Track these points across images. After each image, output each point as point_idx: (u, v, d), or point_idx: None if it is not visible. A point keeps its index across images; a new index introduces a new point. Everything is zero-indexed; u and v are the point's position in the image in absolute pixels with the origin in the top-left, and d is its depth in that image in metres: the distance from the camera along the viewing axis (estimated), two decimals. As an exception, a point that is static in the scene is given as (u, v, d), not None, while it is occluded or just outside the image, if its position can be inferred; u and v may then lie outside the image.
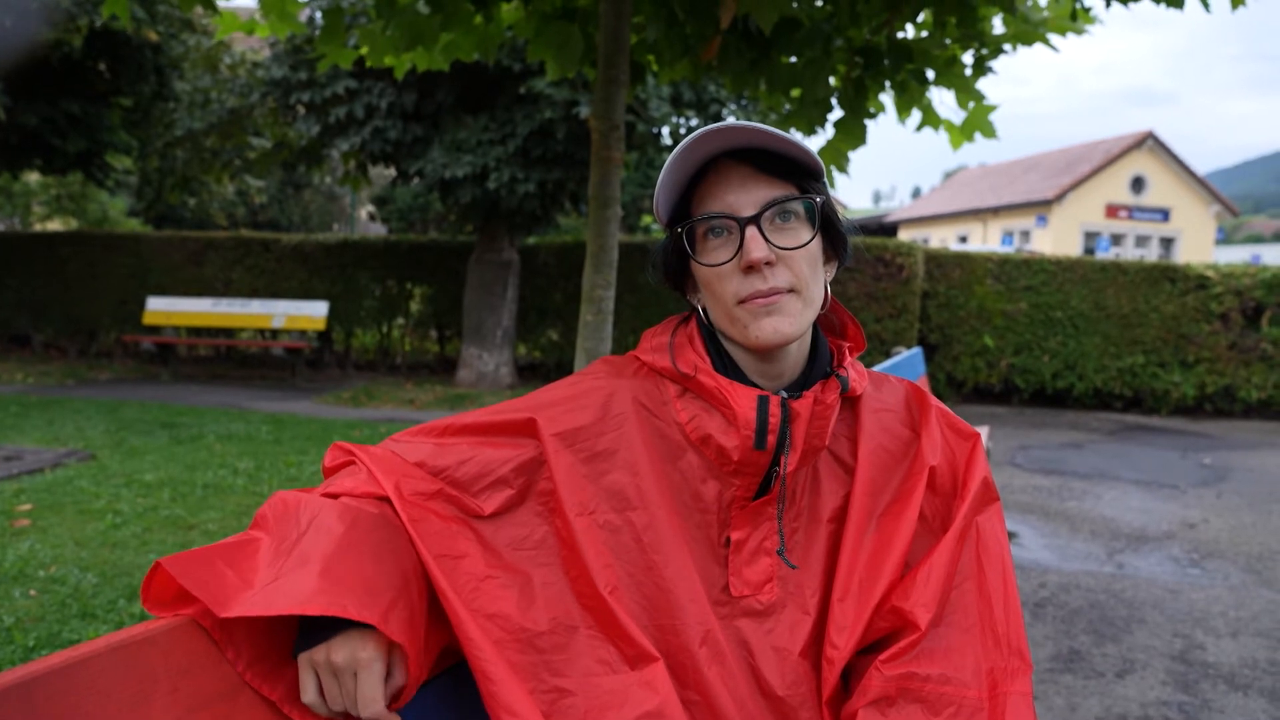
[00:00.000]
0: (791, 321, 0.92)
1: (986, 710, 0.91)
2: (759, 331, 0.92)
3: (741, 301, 0.92)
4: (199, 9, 2.73)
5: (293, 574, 0.77)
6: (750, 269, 0.91)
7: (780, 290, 0.92)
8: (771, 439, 0.94)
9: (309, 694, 0.79)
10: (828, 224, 0.98)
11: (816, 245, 0.95)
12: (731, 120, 0.90)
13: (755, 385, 0.97)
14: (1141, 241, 27.43)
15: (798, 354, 0.99)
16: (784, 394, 0.96)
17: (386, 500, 0.87)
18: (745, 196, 0.92)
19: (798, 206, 0.94)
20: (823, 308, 0.99)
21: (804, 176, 0.95)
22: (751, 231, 0.91)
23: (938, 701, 0.91)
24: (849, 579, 0.96)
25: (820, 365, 1.00)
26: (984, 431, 4.71)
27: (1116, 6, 2.88)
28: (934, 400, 1.08)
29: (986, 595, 0.97)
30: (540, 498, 0.94)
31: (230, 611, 0.74)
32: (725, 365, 0.98)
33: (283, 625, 0.81)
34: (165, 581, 0.78)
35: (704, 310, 1.01)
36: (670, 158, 0.91)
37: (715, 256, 0.94)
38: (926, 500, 1.00)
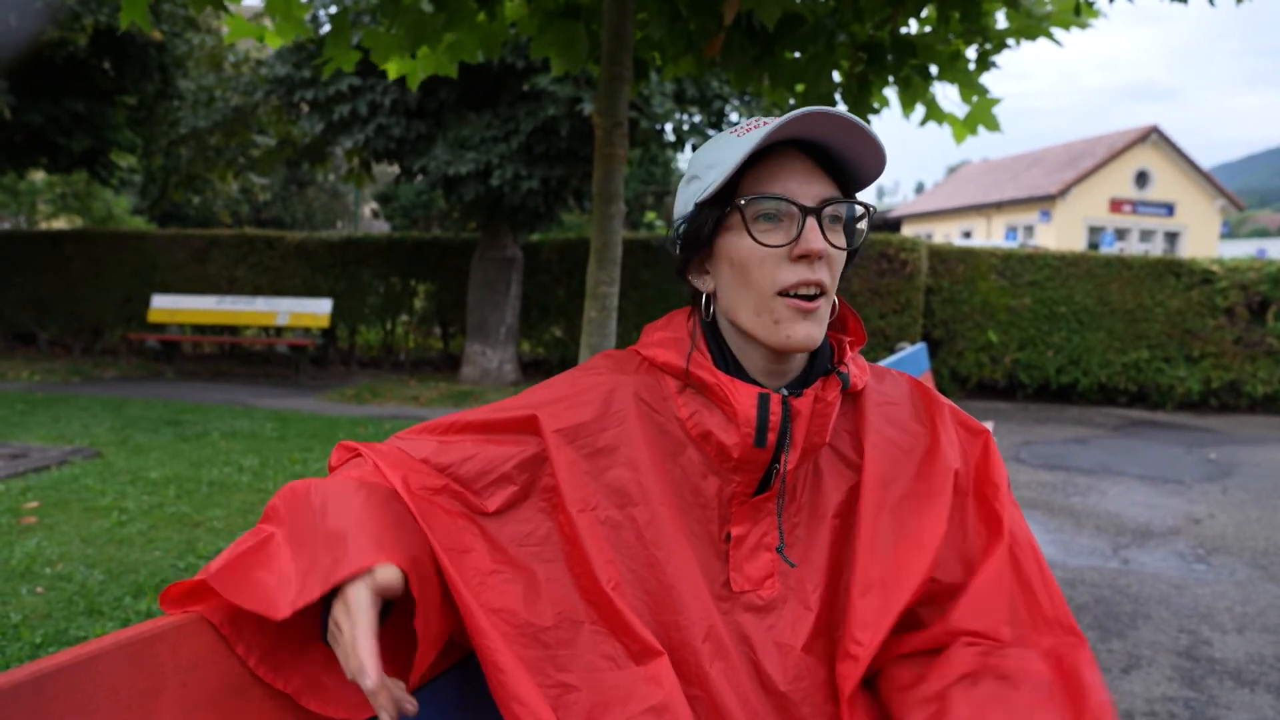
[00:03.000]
0: (820, 328, 0.94)
1: (1060, 685, 0.87)
2: (793, 332, 0.92)
3: (782, 292, 0.92)
4: (208, 9, 2.72)
5: (352, 555, 0.77)
6: (802, 258, 0.91)
7: (822, 285, 0.92)
8: (772, 437, 0.93)
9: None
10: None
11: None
12: (826, 108, 0.89)
13: (756, 381, 0.97)
14: (1146, 236, 27.33)
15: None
16: (784, 391, 0.95)
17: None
18: (806, 188, 0.92)
19: (843, 210, 0.95)
20: (832, 313, 1.00)
21: (850, 182, 0.96)
22: (812, 222, 0.91)
23: (1017, 676, 0.88)
24: (868, 574, 0.95)
25: (821, 361, 1.00)
26: (989, 427, 4.70)
27: (1120, 0, 2.88)
28: (941, 397, 1.07)
29: (1030, 587, 0.95)
30: (543, 494, 0.94)
31: (283, 611, 0.73)
32: (726, 361, 0.98)
33: (292, 618, 0.81)
34: (181, 582, 0.79)
35: (708, 297, 1.00)
36: (764, 129, 0.90)
37: (767, 239, 0.92)
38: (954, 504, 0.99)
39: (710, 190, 0.94)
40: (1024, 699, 0.86)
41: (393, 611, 0.82)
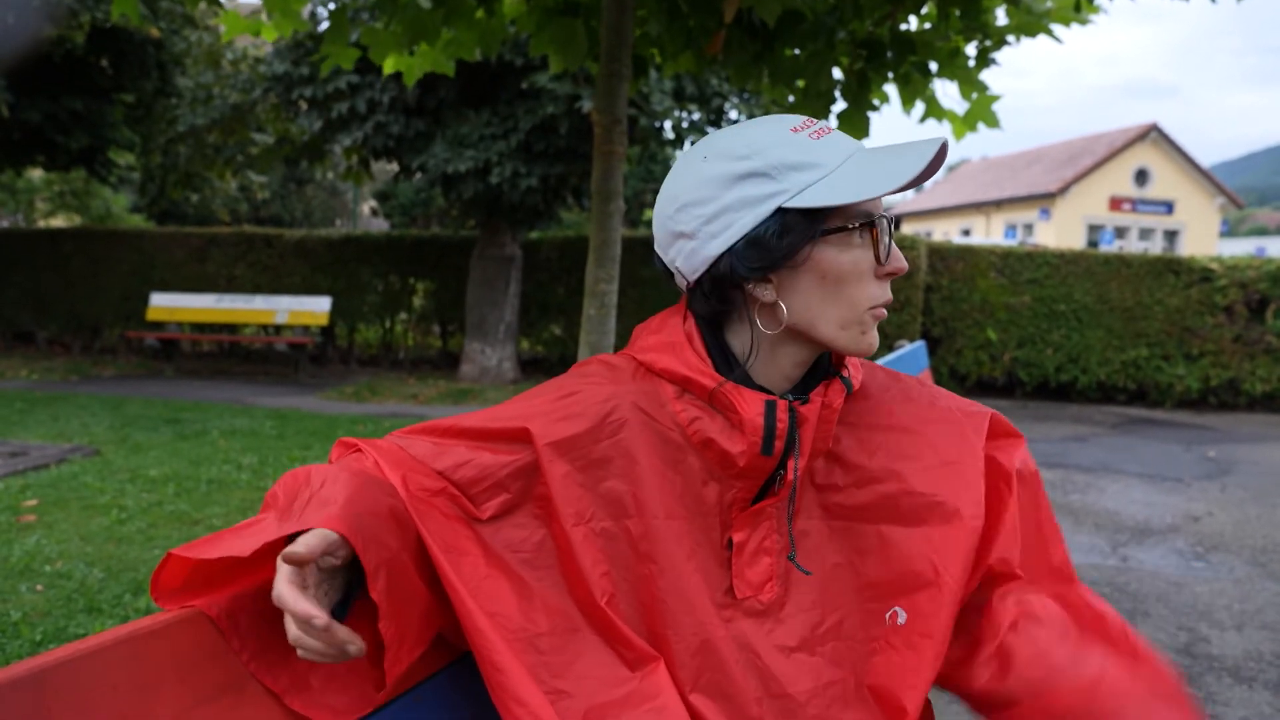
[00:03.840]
0: None
1: (1079, 615, 0.97)
2: (873, 340, 0.94)
3: (872, 308, 0.92)
4: (203, 5, 2.72)
5: (310, 515, 0.77)
6: (888, 275, 0.93)
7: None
8: (779, 444, 0.92)
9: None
10: None
11: None
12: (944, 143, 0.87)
13: (760, 388, 0.95)
14: (1145, 234, 27.36)
15: None
16: (790, 397, 0.94)
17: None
18: (878, 205, 0.93)
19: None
20: None
21: None
22: (893, 240, 0.93)
23: (1049, 617, 0.95)
24: (917, 573, 0.97)
25: (822, 364, 0.99)
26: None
27: (1120, -3, 2.88)
28: (924, 383, 1.08)
29: (1039, 534, 1.03)
30: (537, 502, 0.93)
31: (249, 547, 0.74)
32: (730, 365, 0.96)
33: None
34: (175, 573, 0.78)
35: (774, 308, 0.94)
36: (910, 153, 0.87)
37: (867, 255, 0.93)
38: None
39: (816, 200, 0.88)
40: (1060, 632, 0.95)
41: (376, 613, 0.81)
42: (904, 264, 0.92)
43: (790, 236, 0.89)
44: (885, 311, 0.94)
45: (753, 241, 0.90)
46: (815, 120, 0.94)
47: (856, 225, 0.90)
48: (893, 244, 0.92)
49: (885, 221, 0.92)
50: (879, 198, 0.89)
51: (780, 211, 0.89)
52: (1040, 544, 1.02)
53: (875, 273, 0.92)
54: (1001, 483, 1.00)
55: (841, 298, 0.91)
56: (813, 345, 0.95)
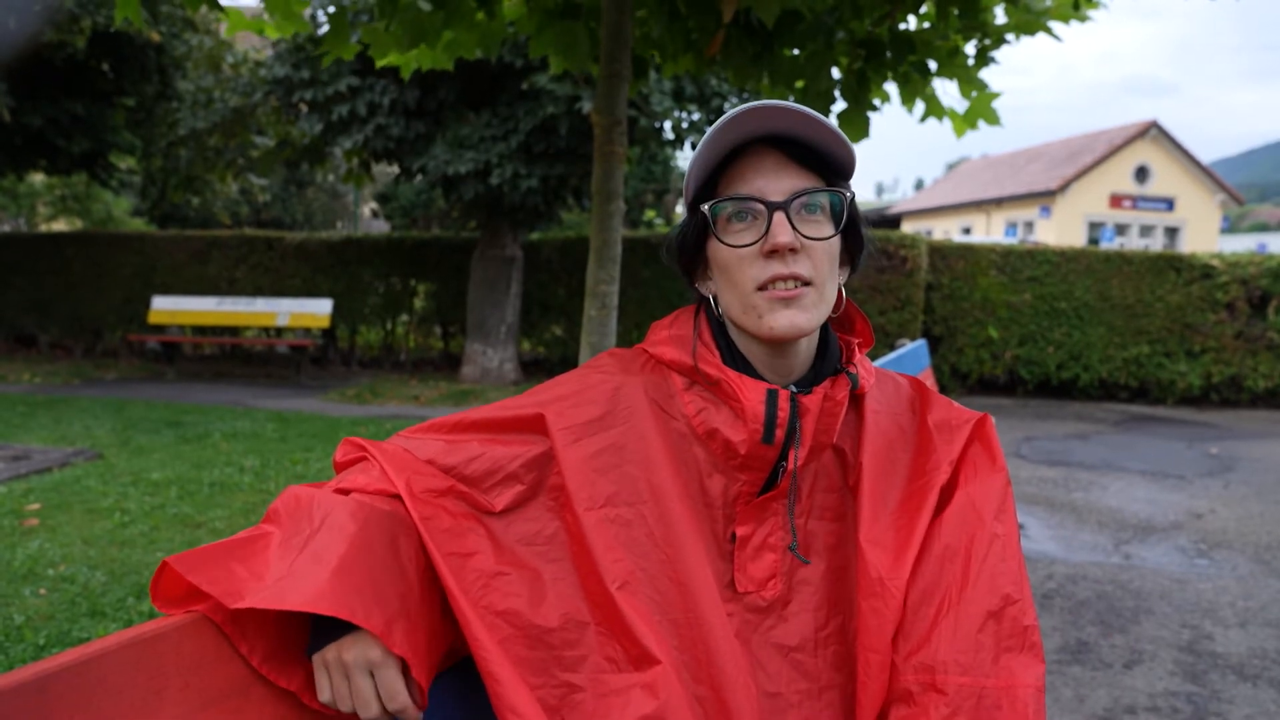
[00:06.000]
0: (808, 316, 0.92)
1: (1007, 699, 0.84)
2: (774, 322, 0.91)
3: (760, 288, 0.92)
4: (204, 8, 2.73)
5: (305, 571, 0.77)
6: (773, 253, 0.91)
7: (800, 278, 0.91)
8: (780, 433, 0.93)
9: (325, 693, 0.80)
10: (851, 224, 0.97)
11: (837, 243, 0.95)
12: (777, 101, 0.89)
13: (764, 380, 0.97)
14: (1146, 231, 27.33)
15: (807, 349, 0.98)
16: (793, 389, 0.95)
17: (397, 498, 0.87)
18: (775, 184, 0.92)
19: (824, 200, 0.94)
20: (835, 310, 0.98)
21: (833, 173, 0.95)
22: (779, 217, 0.90)
23: (956, 695, 0.85)
24: (871, 580, 0.93)
25: (830, 361, 1.00)
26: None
27: (1120, -5, 2.87)
28: (939, 399, 1.06)
29: (995, 617, 0.89)
30: (551, 493, 0.94)
31: (241, 603, 0.74)
32: (735, 359, 0.98)
33: (297, 618, 0.82)
34: (174, 579, 0.78)
35: (714, 300, 1.00)
36: (707, 134, 0.90)
37: (739, 239, 0.93)
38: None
39: (689, 196, 0.97)
40: None
41: None
42: (781, 238, 0.90)
43: (681, 233, 1.00)
44: (786, 288, 0.91)
45: (680, 244, 1.01)
46: None
47: (692, 210, 0.97)
48: (773, 221, 0.90)
49: (733, 202, 0.93)
50: (756, 183, 0.92)
51: (691, 211, 0.99)
52: (998, 620, 0.89)
53: (760, 251, 0.92)
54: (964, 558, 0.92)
55: (734, 284, 0.95)
56: (755, 336, 0.96)
